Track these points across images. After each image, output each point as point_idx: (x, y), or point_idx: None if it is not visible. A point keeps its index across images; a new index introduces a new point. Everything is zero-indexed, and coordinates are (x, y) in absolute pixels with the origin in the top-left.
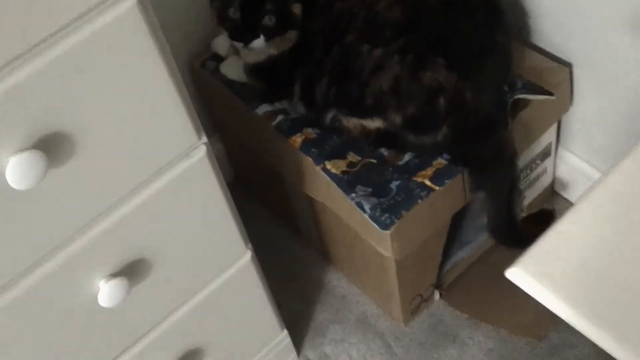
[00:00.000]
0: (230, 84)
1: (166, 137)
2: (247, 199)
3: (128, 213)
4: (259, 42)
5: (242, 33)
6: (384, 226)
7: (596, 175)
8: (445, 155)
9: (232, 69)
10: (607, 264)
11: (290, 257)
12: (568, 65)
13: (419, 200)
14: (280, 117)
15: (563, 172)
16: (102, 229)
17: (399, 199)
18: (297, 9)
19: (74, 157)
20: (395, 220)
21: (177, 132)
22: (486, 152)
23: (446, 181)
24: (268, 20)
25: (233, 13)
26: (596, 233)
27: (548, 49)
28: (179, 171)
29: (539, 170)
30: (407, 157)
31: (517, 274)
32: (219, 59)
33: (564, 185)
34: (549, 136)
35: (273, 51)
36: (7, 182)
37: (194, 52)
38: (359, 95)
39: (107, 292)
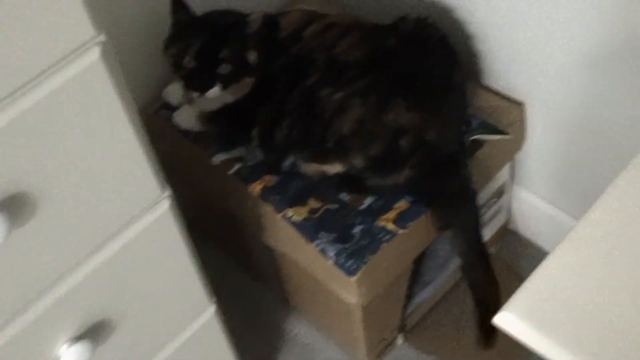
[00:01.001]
0: (184, 133)
1: (130, 192)
2: (203, 243)
3: (90, 272)
4: (214, 91)
5: (197, 82)
6: (350, 272)
7: (551, 211)
8: (407, 197)
9: (185, 119)
10: (595, 304)
11: (251, 303)
12: (521, 104)
13: (384, 244)
14: (238, 165)
15: (518, 209)
16: (64, 290)
17: (364, 244)
18: (252, 56)
19: (36, 216)
20: (361, 266)
21: (141, 187)
22: (451, 190)
23: (409, 223)
24: (224, 69)
25: (188, 62)
26: (580, 273)
27: (500, 88)
28: (143, 226)
29: (494, 208)
30: (369, 200)
31: (508, 320)
32: (170, 108)
33: (519, 223)
34: (503, 174)
35: (229, 99)
36: None
37: (146, 102)
38: (320, 138)
39: (69, 358)
